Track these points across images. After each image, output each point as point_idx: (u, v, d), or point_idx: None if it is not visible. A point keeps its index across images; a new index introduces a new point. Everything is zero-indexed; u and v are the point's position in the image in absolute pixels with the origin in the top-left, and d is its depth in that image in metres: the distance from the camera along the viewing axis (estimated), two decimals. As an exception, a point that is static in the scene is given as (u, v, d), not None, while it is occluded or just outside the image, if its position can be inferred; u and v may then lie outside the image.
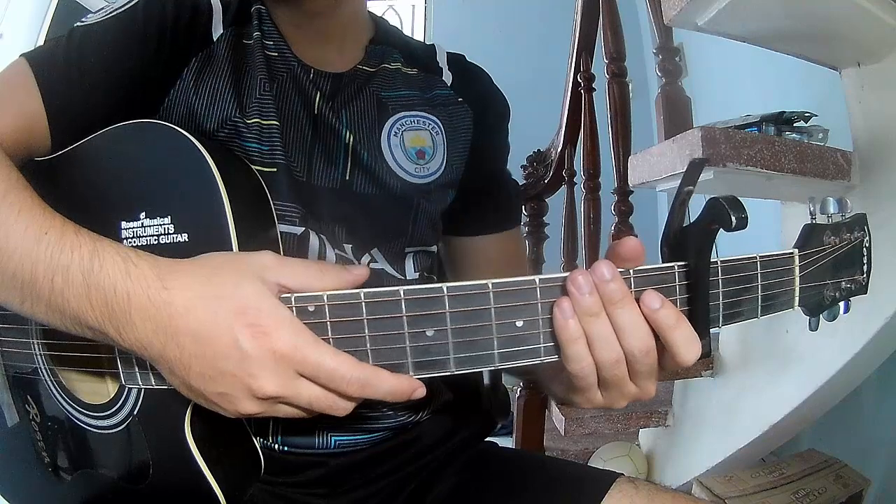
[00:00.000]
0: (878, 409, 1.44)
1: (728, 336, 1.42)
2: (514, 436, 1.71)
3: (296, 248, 0.59)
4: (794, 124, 1.11)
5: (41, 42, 2.16)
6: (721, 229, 0.41)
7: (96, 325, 0.42)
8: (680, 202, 0.44)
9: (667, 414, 1.59)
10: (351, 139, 0.63)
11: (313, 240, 0.60)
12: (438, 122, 0.69)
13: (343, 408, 0.42)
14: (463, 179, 0.70)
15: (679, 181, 0.44)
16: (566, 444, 1.78)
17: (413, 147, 0.66)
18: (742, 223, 0.40)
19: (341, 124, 0.63)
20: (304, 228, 0.59)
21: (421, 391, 0.43)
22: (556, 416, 1.58)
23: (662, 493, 0.61)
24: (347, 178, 0.63)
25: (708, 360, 1.43)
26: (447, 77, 0.73)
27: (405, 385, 0.42)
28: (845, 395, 1.22)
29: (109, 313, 0.41)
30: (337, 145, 0.63)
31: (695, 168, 0.44)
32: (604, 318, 0.41)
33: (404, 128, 0.66)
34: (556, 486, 0.63)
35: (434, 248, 0.70)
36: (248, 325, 0.39)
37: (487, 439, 0.75)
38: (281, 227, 0.56)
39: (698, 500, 0.62)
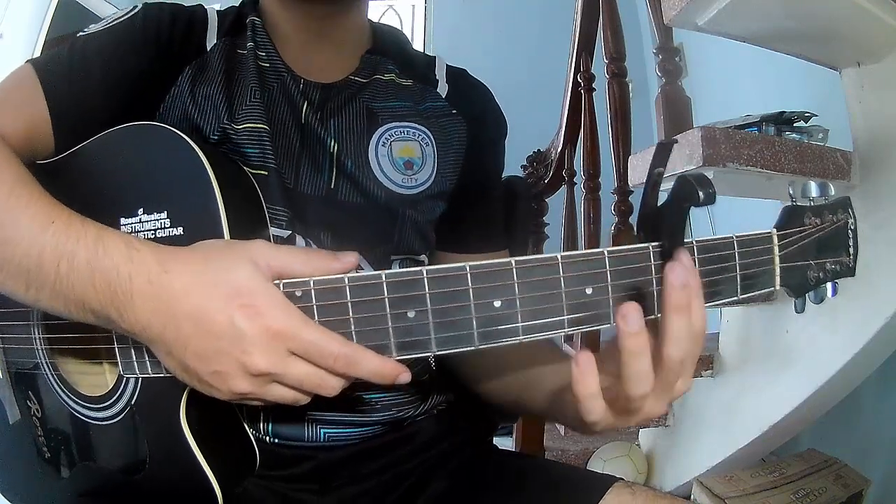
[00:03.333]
0: (878, 409, 1.44)
1: (728, 336, 1.42)
2: (514, 436, 1.71)
3: None
4: (794, 124, 1.11)
5: (41, 42, 2.16)
6: (692, 206, 0.42)
7: (99, 308, 0.44)
8: (652, 184, 0.45)
9: (667, 414, 1.59)
10: (336, 148, 0.64)
11: (299, 242, 0.61)
12: (429, 133, 0.69)
13: (332, 386, 0.44)
14: (453, 193, 0.70)
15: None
16: (566, 444, 1.78)
17: (401, 157, 0.66)
18: (710, 198, 0.41)
19: (327, 133, 0.64)
20: (290, 232, 0.60)
21: (406, 376, 0.44)
22: (556, 416, 1.58)
23: (660, 499, 0.60)
24: (332, 186, 0.64)
25: (708, 359, 1.43)
26: (442, 88, 0.73)
27: (390, 367, 0.43)
28: (845, 395, 1.22)
29: (112, 296, 0.43)
30: (322, 154, 0.64)
31: (663, 150, 0.45)
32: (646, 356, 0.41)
33: (393, 138, 0.67)
34: (551, 489, 0.63)
35: (422, 257, 0.70)
36: (244, 305, 0.42)
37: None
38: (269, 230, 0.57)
39: (695, 507, 0.62)
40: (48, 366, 0.59)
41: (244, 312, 0.41)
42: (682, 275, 0.40)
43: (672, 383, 0.43)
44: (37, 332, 0.59)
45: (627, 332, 0.40)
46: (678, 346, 0.41)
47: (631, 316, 0.40)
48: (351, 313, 0.43)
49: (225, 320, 0.41)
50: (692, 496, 1.30)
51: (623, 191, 1.50)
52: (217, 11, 0.67)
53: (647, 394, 0.42)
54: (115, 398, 0.54)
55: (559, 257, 0.43)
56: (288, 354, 0.42)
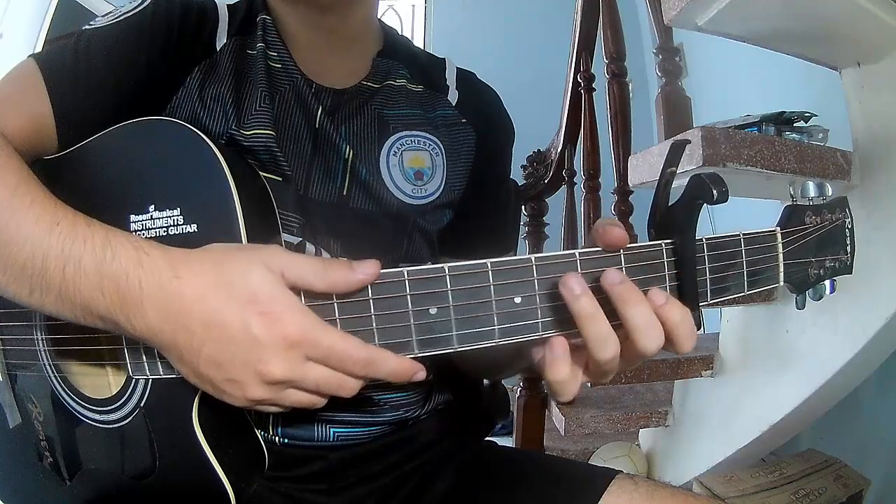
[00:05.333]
0: (878, 409, 1.44)
1: (728, 336, 1.42)
2: (514, 436, 1.71)
3: None
4: (794, 124, 1.11)
5: (41, 42, 2.16)
6: (704, 204, 0.43)
7: (107, 314, 0.43)
8: (664, 183, 0.46)
9: (667, 414, 1.59)
10: (350, 154, 0.63)
11: (309, 249, 0.60)
12: (439, 143, 0.68)
13: (350, 387, 0.44)
14: (460, 201, 0.70)
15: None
16: (566, 444, 1.78)
17: (412, 167, 0.66)
18: (723, 196, 0.42)
19: (342, 139, 0.63)
20: (301, 238, 0.60)
21: (422, 373, 0.44)
22: (556, 416, 1.58)
23: (662, 490, 0.61)
24: (345, 193, 0.63)
25: (708, 359, 1.43)
26: (453, 96, 0.72)
27: (407, 366, 0.43)
28: (845, 395, 1.22)
29: (121, 302, 0.42)
30: (336, 160, 0.63)
31: (677, 149, 0.46)
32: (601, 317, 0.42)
33: (404, 147, 0.66)
34: (555, 483, 0.63)
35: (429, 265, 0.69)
36: (260, 312, 0.41)
37: (486, 439, 0.75)
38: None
39: (697, 497, 0.62)
40: (51, 368, 0.58)
41: (261, 320, 0.40)
42: (616, 273, 0.42)
43: (641, 350, 0.43)
44: (39, 333, 0.58)
45: (573, 297, 0.41)
46: (644, 336, 0.42)
47: (571, 281, 0.41)
48: (373, 310, 0.43)
49: (240, 327, 0.41)
50: (692, 496, 1.30)
51: (623, 191, 1.49)
52: (227, 6, 0.66)
53: (615, 356, 0.43)
54: (123, 400, 0.53)
55: (577, 254, 0.43)
56: (305, 360, 0.42)
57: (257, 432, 0.56)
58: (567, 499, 0.61)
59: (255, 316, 0.40)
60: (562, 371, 0.43)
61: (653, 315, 0.42)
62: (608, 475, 0.62)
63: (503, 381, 0.84)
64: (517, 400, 1.66)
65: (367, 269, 0.42)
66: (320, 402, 0.44)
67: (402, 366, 0.43)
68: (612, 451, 1.71)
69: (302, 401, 0.44)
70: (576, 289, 0.41)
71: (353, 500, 0.64)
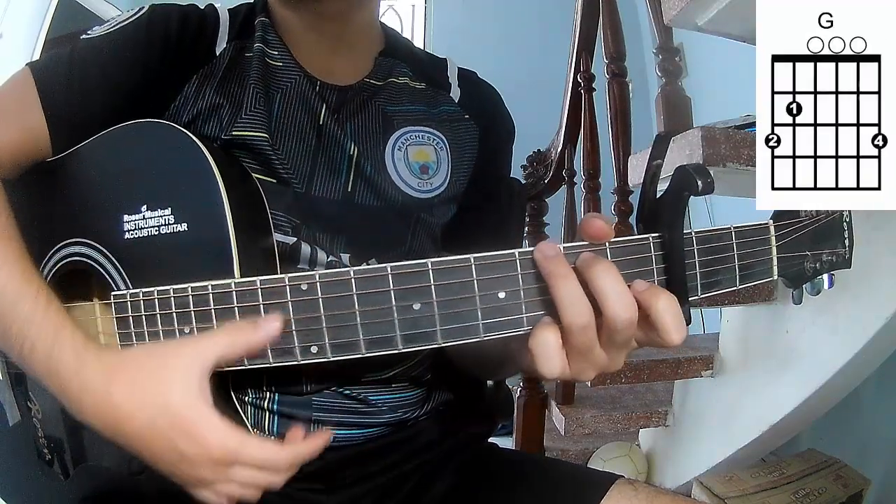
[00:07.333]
0: (878, 409, 1.44)
1: (728, 336, 1.42)
2: (514, 436, 1.71)
3: (287, 255, 0.59)
4: (794, 124, 1.10)
5: (41, 42, 2.16)
6: (691, 195, 0.42)
7: (56, 397, 0.47)
8: (650, 176, 0.45)
9: (667, 414, 1.59)
10: (355, 151, 0.63)
11: (305, 249, 0.60)
12: (443, 137, 0.69)
13: (278, 481, 0.49)
14: (463, 197, 0.70)
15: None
16: (566, 444, 1.78)
17: (417, 161, 0.66)
18: (708, 187, 0.41)
19: (346, 136, 0.63)
20: (295, 239, 0.60)
21: (329, 435, 0.52)
22: (556, 416, 1.59)
23: (662, 496, 0.61)
24: (350, 189, 0.63)
25: (708, 359, 1.43)
26: (455, 93, 0.73)
27: (322, 439, 0.51)
28: (845, 395, 1.22)
29: (65, 396, 0.46)
30: (341, 157, 0.63)
31: (661, 142, 0.46)
32: (572, 279, 0.41)
33: (409, 142, 0.67)
34: (555, 487, 0.63)
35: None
36: (184, 432, 0.44)
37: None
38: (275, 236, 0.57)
39: (697, 503, 0.62)
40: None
41: (186, 440, 0.44)
42: (548, 246, 0.42)
43: (618, 341, 0.42)
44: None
45: (544, 257, 0.42)
46: (569, 311, 0.41)
47: (545, 244, 0.42)
48: (357, 306, 0.43)
49: (168, 446, 0.45)
50: (692, 496, 1.30)
51: (623, 191, 1.49)
52: (228, 10, 0.66)
53: (588, 324, 0.41)
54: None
55: (561, 248, 0.43)
56: (231, 466, 0.46)
57: (254, 431, 0.56)
58: (567, 501, 0.61)
59: (180, 436, 0.44)
60: (550, 340, 0.42)
61: (579, 289, 0.41)
62: (609, 479, 0.62)
63: (505, 382, 0.83)
64: (517, 400, 1.66)
65: (268, 325, 0.45)
66: (256, 495, 0.48)
67: (322, 440, 0.50)
68: (612, 451, 1.71)
69: (236, 492, 0.48)
70: (549, 251, 0.42)
71: (350, 500, 0.64)
